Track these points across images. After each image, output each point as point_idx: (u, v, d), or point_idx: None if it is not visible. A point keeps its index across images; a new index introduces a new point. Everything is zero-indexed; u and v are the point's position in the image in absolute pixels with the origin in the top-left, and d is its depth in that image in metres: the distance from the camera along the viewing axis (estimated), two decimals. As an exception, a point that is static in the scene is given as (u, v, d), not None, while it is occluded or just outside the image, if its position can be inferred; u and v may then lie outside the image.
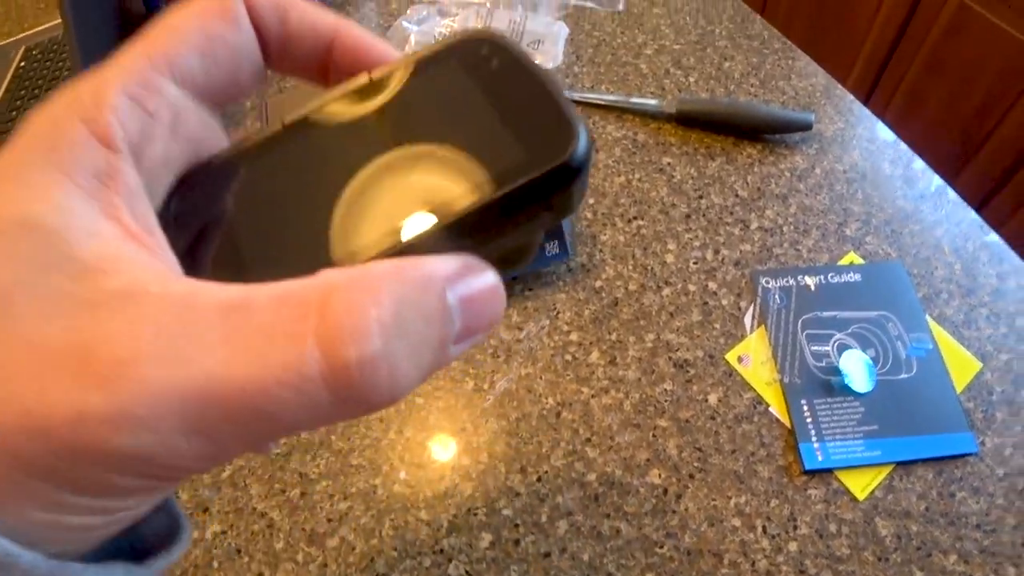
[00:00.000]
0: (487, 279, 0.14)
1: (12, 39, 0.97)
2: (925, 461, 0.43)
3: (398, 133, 0.15)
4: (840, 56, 1.61)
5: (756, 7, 1.91)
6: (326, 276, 0.12)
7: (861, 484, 0.42)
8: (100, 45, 0.73)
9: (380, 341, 0.11)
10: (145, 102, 0.14)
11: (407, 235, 0.14)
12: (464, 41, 0.16)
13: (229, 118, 0.73)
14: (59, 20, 0.98)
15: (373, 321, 0.11)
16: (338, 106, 0.17)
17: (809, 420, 0.44)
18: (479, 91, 0.16)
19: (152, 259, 0.13)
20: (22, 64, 0.90)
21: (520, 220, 0.14)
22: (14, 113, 0.82)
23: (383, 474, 0.43)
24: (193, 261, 0.15)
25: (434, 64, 0.16)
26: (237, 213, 0.16)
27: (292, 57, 0.17)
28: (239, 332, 0.11)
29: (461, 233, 0.14)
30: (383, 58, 0.17)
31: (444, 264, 0.13)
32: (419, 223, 0.14)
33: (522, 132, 0.15)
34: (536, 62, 0.16)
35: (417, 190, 0.14)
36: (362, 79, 0.17)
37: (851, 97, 0.65)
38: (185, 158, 0.16)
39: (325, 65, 0.18)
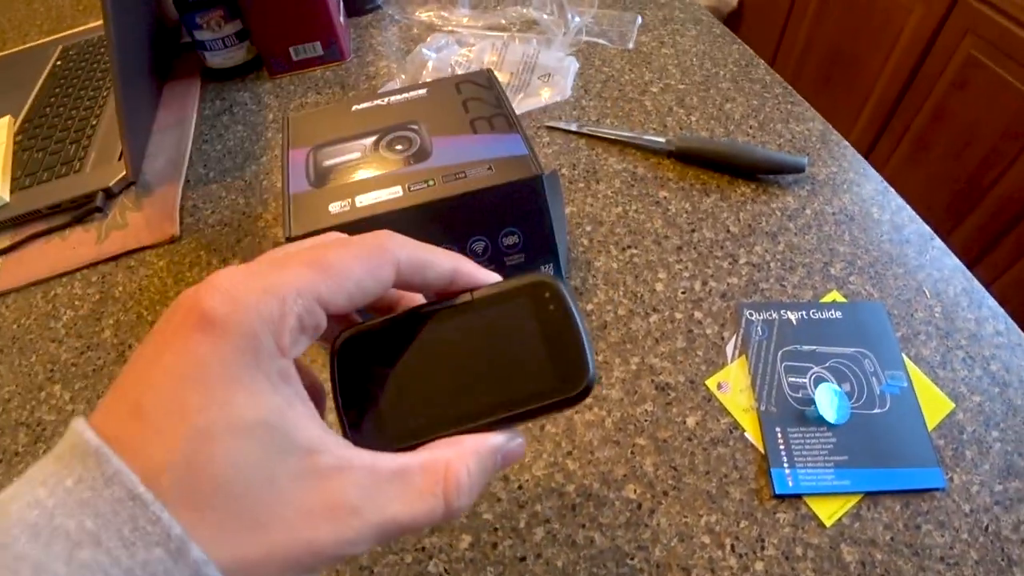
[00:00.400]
0: (518, 444, 0.24)
1: (51, 38, 0.99)
2: (893, 493, 0.44)
3: (480, 342, 0.24)
4: (848, 103, 1.63)
5: (768, 54, 1.94)
6: (444, 453, 0.22)
7: (829, 511, 0.44)
8: (136, 48, 0.76)
9: (468, 495, 0.22)
10: (305, 325, 0.21)
11: (479, 420, 0.24)
12: (535, 283, 0.25)
13: (252, 127, 0.77)
14: (97, 23, 1.02)
15: (466, 486, 0.22)
16: (447, 312, 0.25)
17: (782, 447, 0.46)
18: (535, 321, 0.24)
19: (332, 436, 0.21)
20: (58, 63, 0.91)
21: (542, 416, 0.24)
22: (47, 109, 0.83)
23: (373, 473, 0.45)
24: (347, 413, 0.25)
25: (512, 294, 0.25)
26: (376, 382, 0.25)
27: (421, 290, 0.25)
28: (407, 491, 0.21)
29: (507, 423, 0.24)
30: (483, 283, 0.25)
31: (498, 439, 0.23)
32: (487, 414, 0.24)
33: (555, 360, 0.24)
34: (577, 309, 0.24)
35: (486, 388, 0.24)
36: (465, 297, 0.25)
37: (846, 143, 0.67)
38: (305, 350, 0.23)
39: (442, 291, 0.25)
